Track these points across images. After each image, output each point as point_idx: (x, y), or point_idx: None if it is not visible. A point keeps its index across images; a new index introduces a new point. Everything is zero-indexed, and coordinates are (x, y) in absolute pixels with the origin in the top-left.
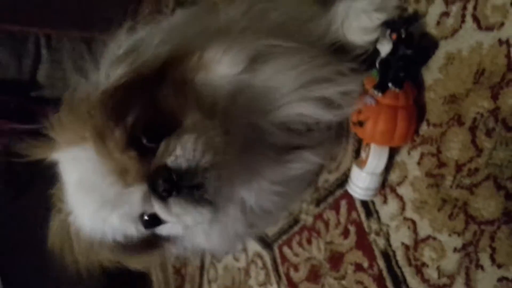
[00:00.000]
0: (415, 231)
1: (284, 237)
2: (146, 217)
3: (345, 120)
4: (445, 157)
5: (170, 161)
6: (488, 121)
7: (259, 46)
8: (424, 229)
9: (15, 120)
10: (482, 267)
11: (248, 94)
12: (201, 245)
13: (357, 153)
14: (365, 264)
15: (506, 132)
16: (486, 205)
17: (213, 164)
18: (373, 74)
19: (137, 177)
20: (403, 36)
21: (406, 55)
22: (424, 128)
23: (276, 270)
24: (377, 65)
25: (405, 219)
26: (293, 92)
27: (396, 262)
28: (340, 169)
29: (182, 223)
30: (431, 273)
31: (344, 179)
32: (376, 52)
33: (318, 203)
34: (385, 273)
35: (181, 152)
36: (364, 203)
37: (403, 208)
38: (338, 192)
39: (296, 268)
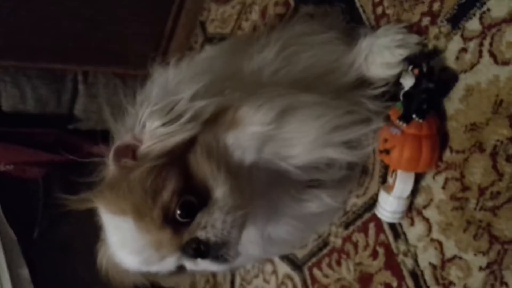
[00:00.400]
0: (441, 251)
1: (314, 259)
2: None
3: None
4: (469, 181)
5: (200, 235)
6: (507, 147)
7: (288, 101)
8: (451, 249)
9: (54, 152)
10: (506, 284)
11: (273, 145)
12: None
13: (383, 178)
14: (394, 284)
15: None
16: (509, 225)
17: (237, 237)
18: (398, 106)
19: (172, 250)
20: (424, 70)
21: (428, 88)
22: (447, 155)
23: None
24: (401, 97)
25: (432, 240)
26: (317, 140)
27: (425, 281)
28: (368, 194)
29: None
30: None
31: (371, 203)
32: (396, 84)
33: (347, 226)
34: None
35: (211, 229)
36: (392, 226)
37: (429, 230)
38: (366, 215)
39: None
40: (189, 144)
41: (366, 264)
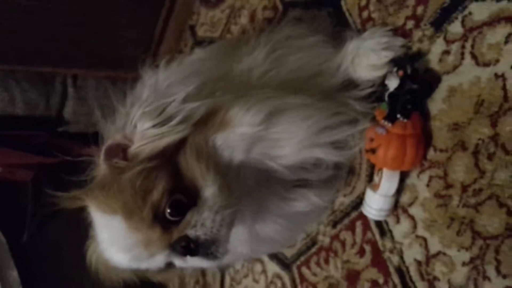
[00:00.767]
0: (426, 247)
1: (302, 258)
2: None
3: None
4: (452, 179)
5: (190, 233)
6: (489, 146)
7: (276, 103)
8: (435, 245)
9: (43, 154)
10: (489, 279)
11: (262, 145)
12: None
13: (370, 177)
14: (381, 280)
15: (505, 155)
16: (490, 221)
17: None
18: (383, 106)
19: (161, 247)
20: (408, 72)
21: (412, 89)
22: (431, 154)
23: None
24: (386, 98)
25: (417, 237)
26: (305, 140)
27: (410, 277)
28: (355, 193)
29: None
30: (443, 286)
31: (358, 202)
32: (382, 85)
33: (334, 224)
34: None
35: (200, 227)
36: (378, 223)
37: (414, 227)
38: (354, 214)
39: (314, 287)
40: (179, 146)
41: (353, 262)
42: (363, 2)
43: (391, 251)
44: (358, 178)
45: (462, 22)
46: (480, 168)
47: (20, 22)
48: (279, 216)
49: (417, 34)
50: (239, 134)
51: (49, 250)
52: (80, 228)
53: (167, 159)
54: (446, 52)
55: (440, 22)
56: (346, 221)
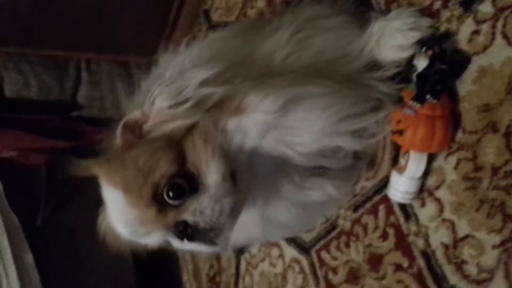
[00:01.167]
0: (454, 230)
1: (322, 242)
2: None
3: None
4: (481, 161)
5: (189, 219)
6: None
7: (295, 91)
8: (463, 228)
9: (57, 138)
10: None
11: (278, 132)
12: None
13: (394, 160)
14: (405, 264)
15: None
16: None
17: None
18: (411, 87)
19: (156, 228)
20: (437, 52)
21: (441, 69)
22: (459, 136)
23: (314, 273)
24: (414, 79)
25: (444, 220)
26: (325, 129)
27: (436, 260)
28: (378, 176)
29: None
30: (471, 269)
31: (381, 186)
32: (407, 66)
33: (356, 208)
34: (425, 271)
35: (199, 215)
36: (403, 207)
37: (441, 210)
38: (376, 198)
39: (334, 271)
40: (189, 130)
41: (376, 246)
42: None
43: (416, 235)
44: (382, 161)
45: (493, 1)
46: (511, 149)
47: (35, 5)
48: (293, 204)
49: (445, 14)
50: (254, 120)
51: (63, 234)
52: (94, 213)
53: (175, 142)
54: (476, 32)
55: (469, 2)
56: (368, 205)
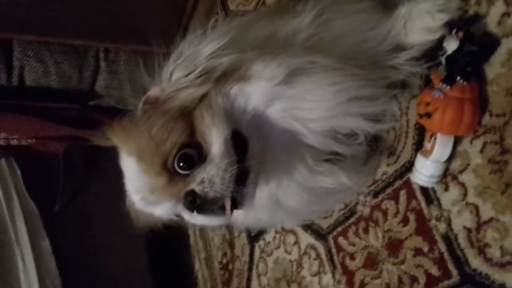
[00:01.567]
0: (477, 214)
1: (339, 229)
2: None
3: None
4: (508, 144)
5: (198, 189)
6: None
7: (302, 61)
8: (487, 212)
9: (76, 126)
10: None
11: (283, 102)
12: None
13: (417, 145)
14: (426, 249)
15: None
16: None
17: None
18: (440, 69)
19: (166, 196)
20: (468, 34)
21: (472, 51)
22: (486, 119)
23: (331, 259)
24: (443, 61)
25: (467, 204)
26: (336, 107)
27: (458, 244)
28: (399, 162)
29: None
30: (494, 252)
31: (403, 171)
32: (431, 50)
33: (376, 194)
34: (446, 255)
35: (208, 184)
36: (425, 192)
37: (465, 194)
38: (397, 183)
39: (352, 257)
40: (200, 102)
41: (396, 231)
42: None
43: (438, 219)
44: (404, 147)
45: None
46: None
47: None
48: (303, 188)
49: None
50: (257, 86)
51: (80, 220)
52: (110, 200)
53: (187, 113)
54: (506, 15)
55: None
56: (389, 190)
